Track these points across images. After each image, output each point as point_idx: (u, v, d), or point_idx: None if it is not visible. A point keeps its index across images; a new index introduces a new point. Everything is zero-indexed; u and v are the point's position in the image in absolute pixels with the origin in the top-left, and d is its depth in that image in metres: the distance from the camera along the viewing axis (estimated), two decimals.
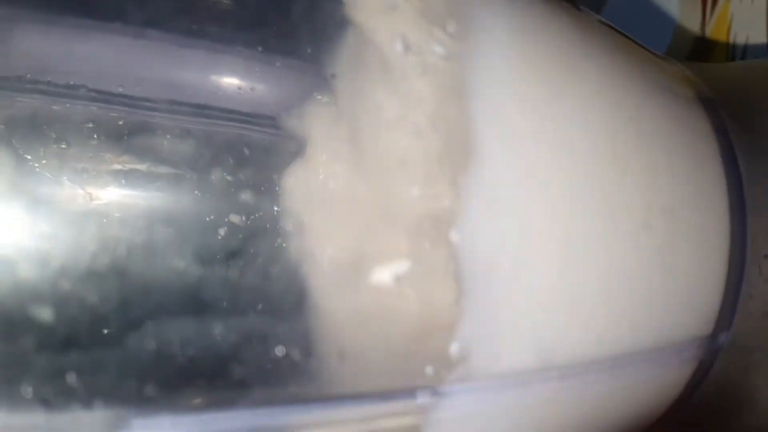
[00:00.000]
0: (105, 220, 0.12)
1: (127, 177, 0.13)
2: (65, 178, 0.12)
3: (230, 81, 0.14)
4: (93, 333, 0.12)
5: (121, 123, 0.13)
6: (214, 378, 0.13)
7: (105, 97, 0.13)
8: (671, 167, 0.15)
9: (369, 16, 0.14)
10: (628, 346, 0.14)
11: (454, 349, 0.13)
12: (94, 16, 0.13)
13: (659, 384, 0.16)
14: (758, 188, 0.16)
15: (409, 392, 0.13)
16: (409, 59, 0.14)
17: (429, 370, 0.13)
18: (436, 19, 0.14)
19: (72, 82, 0.13)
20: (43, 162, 0.12)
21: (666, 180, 0.15)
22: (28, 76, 0.12)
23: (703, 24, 0.25)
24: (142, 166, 0.13)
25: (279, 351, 0.13)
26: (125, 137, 0.13)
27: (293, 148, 0.13)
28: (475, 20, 0.14)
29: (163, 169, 0.13)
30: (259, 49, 0.14)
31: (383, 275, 0.13)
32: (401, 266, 0.13)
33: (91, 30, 0.13)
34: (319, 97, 0.13)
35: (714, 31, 0.25)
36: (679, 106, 0.16)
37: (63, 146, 0.12)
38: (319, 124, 0.13)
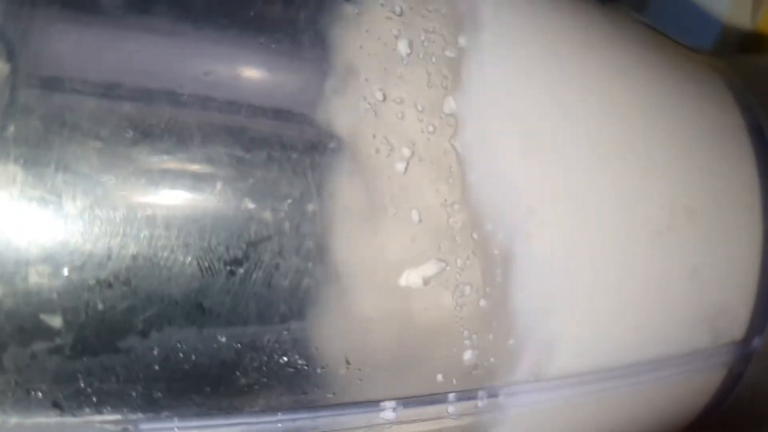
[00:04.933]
0: (128, 221, 0.13)
1: (159, 174, 0.13)
2: (103, 176, 0.12)
3: (262, 76, 0.14)
4: (103, 339, 0.12)
5: (154, 121, 0.13)
6: (218, 384, 0.13)
7: (139, 94, 0.13)
8: (700, 165, 0.14)
9: None
10: (650, 353, 0.14)
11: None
12: (127, 15, 0.13)
13: (689, 389, 0.15)
14: None
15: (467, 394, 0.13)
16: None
17: (445, 377, 0.13)
18: None
19: (106, 81, 0.13)
20: (79, 159, 0.12)
21: (694, 178, 0.14)
22: (64, 75, 0.13)
23: (754, 17, 0.25)
24: (172, 164, 0.13)
25: (284, 359, 0.13)
26: (160, 134, 0.13)
27: (325, 144, 0.13)
28: None
29: (191, 167, 0.13)
30: (290, 44, 0.14)
31: (414, 278, 0.13)
32: (431, 269, 0.13)
33: (125, 29, 0.13)
34: (343, 90, 0.13)
35: (762, 22, 0.24)
36: (709, 100, 0.15)
37: (98, 144, 0.13)
38: (348, 120, 0.13)
